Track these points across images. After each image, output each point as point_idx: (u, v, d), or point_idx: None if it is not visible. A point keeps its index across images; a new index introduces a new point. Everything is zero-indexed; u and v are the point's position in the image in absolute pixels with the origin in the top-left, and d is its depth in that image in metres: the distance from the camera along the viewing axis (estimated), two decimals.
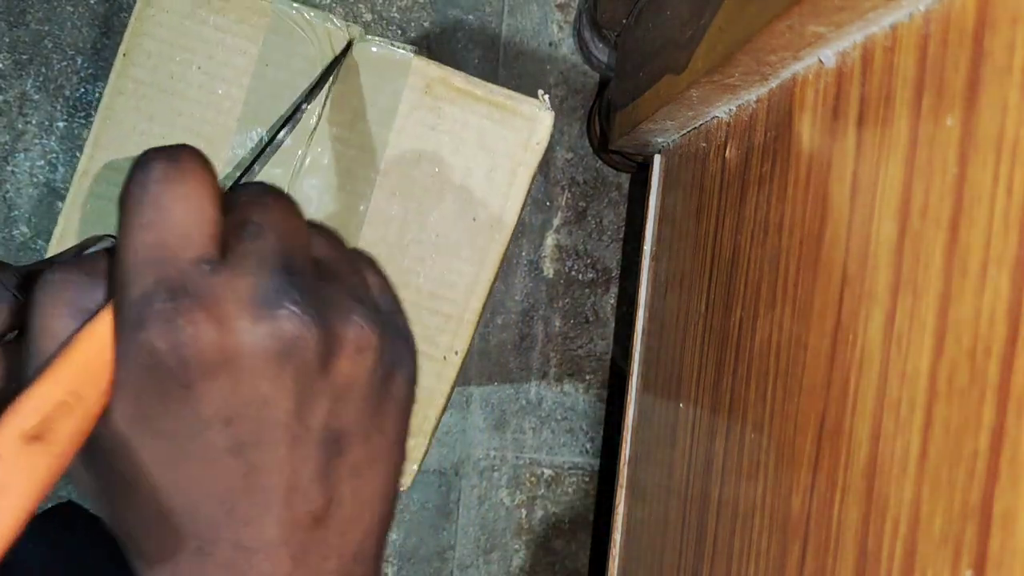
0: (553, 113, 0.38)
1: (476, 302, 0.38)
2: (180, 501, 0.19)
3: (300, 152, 0.37)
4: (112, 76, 0.37)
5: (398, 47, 0.37)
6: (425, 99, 0.37)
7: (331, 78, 0.37)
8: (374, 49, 0.37)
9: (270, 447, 0.19)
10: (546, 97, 0.38)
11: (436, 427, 0.39)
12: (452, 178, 0.38)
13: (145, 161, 0.19)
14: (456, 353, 0.38)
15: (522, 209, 0.38)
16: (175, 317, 0.18)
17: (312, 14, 0.37)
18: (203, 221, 0.19)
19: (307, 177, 0.37)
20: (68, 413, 0.18)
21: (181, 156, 0.19)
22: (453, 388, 0.39)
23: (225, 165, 0.37)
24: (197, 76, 0.37)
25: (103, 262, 0.20)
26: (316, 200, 0.37)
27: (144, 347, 0.18)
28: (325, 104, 0.37)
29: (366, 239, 0.37)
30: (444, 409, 0.39)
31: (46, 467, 0.17)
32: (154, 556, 0.20)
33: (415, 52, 0.38)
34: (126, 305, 0.19)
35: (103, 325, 0.19)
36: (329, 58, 0.37)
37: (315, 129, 0.37)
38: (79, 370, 0.18)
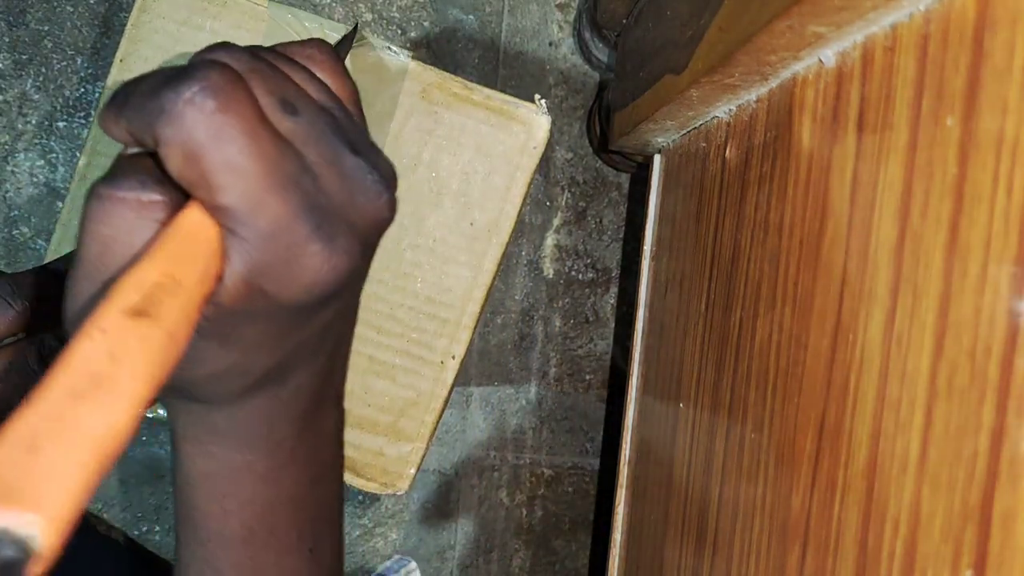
0: (550, 117, 0.38)
1: (474, 307, 0.38)
2: None
3: None
4: (108, 82, 0.37)
5: (395, 51, 0.37)
6: (422, 104, 0.37)
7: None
8: (370, 53, 0.37)
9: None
10: (543, 102, 0.38)
11: (434, 431, 0.39)
12: (450, 183, 0.37)
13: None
14: (453, 358, 0.38)
15: (520, 213, 0.38)
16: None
17: (308, 19, 0.37)
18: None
19: None
20: (170, 293, 0.18)
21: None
22: (451, 392, 0.39)
23: None
24: None
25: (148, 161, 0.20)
26: None
27: None
28: None
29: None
30: (441, 413, 0.39)
31: (158, 342, 0.17)
32: None
33: (412, 57, 0.37)
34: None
35: (193, 214, 0.19)
36: None
37: None
38: (173, 255, 0.18)
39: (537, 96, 0.38)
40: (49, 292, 0.33)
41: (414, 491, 0.57)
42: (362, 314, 0.37)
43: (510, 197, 0.38)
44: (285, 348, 0.22)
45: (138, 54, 0.36)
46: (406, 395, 0.38)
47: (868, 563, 0.20)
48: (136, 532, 0.55)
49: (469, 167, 0.37)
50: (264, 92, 0.21)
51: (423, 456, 0.40)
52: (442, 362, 0.38)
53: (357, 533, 0.56)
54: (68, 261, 0.35)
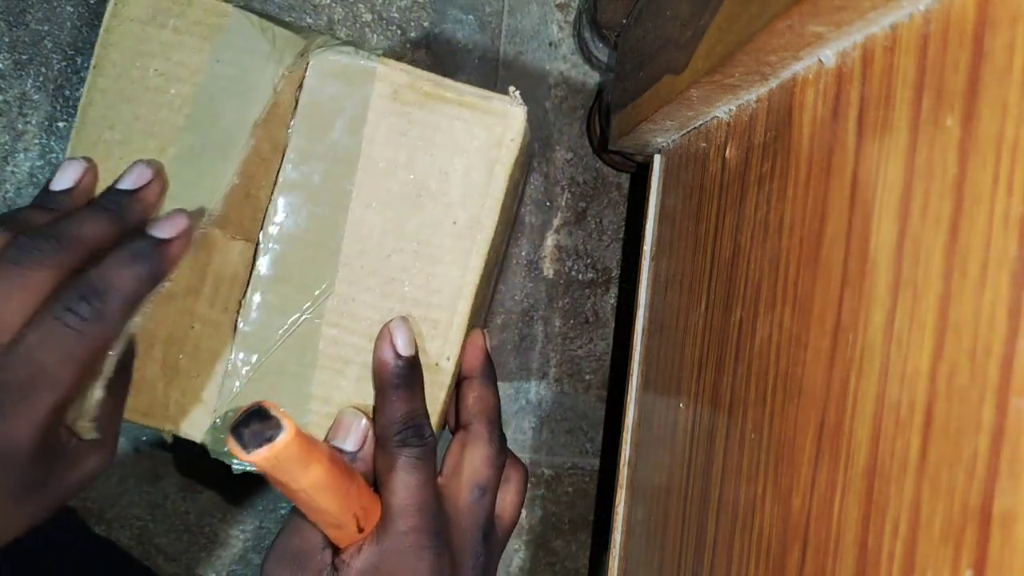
0: (525, 108, 0.37)
1: (464, 305, 0.37)
2: None
3: (275, 169, 0.37)
4: (84, 89, 0.37)
5: (361, 54, 0.37)
6: (394, 106, 0.36)
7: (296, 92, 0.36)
8: (337, 57, 0.37)
9: None
10: (517, 93, 0.37)
11: (438, 437, 0.38)
12: (428, 184, 0.37)
13: None
14: (448, 359, 0.37)
15: (502, 206, 0.38)
16: None
17: (273, 23, 0.36)
18: None
19: (281, 195, 0.37)
20: None
21: None
22: (449, 395, 0.39)
23: (171, 162, 0.37)
24: (154, 79, 0.36)
25: None
26: (292, 218, 0.37)
27: None
28: (293, 117, 0.37)
29: (346, 253, 0.37)
30: (443, 417, 0.39)
31: None
32: None
33: (380, 56, 0.37)
34: None
35: None
36: (282, 58, 0.36)
37: (286, 145, 0.37)
38: None
39: (511, 88, 0.37)
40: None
41: None
42: (353, 323, 0.37)
43: (491, 192, 0.37)
44: None
45: (108, 59, 0.37)
46: None
47: (868, 563, 0.20)
48: (136, 532, 0.55)
49: (447, 165, 0.37)
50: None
51: None
52: (437, 364, 0.37)
53: None
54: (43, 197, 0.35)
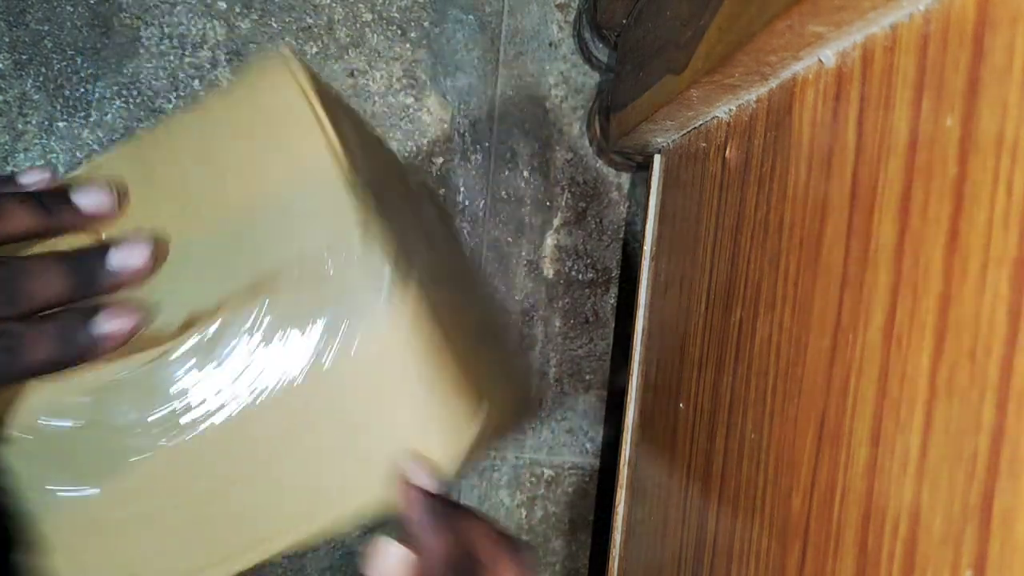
0: (479, 426, 0.32)
1: (265, 548, 0.32)
2: None
3: (255, 305, 0.32)
4: (172, 113, 0.33)
5: (384, 288, 0.31)
6: (378, 356, 0.31)
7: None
8: (356, 271, 0.32)
9: None
10: (483, 412, 0.32)
11: None
12: (346, 433, 0.32)
13: None
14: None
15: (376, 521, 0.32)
16: None
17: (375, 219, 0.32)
18: None
19: (219, 337, 0.32)
20: None
21: None
22: None
23: (183, 247, 0.32)
24: (229, 159, 0.31)
25: None
26: (236, 363, 0.31)
27: None
28: (283, 293, 0.32)
29: (215, 424, 0.32)
30: None
31: None
32: None
33: (391, 292, 0.31)
34: None
35: None
36: (342, 246, 0.31)
37: (263, 304, 0.32)
38: None
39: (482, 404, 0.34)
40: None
41: None
42: (176, 481, 0.32)
43: (381, 491, 0.31)
44: None
45: (208, 112, 0.33)
46: None
47: (868, 563, 0.20)
48: None
49: (374, 434, 0.32)
50: None
51: None
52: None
53: (357, 534, 0.56)
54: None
